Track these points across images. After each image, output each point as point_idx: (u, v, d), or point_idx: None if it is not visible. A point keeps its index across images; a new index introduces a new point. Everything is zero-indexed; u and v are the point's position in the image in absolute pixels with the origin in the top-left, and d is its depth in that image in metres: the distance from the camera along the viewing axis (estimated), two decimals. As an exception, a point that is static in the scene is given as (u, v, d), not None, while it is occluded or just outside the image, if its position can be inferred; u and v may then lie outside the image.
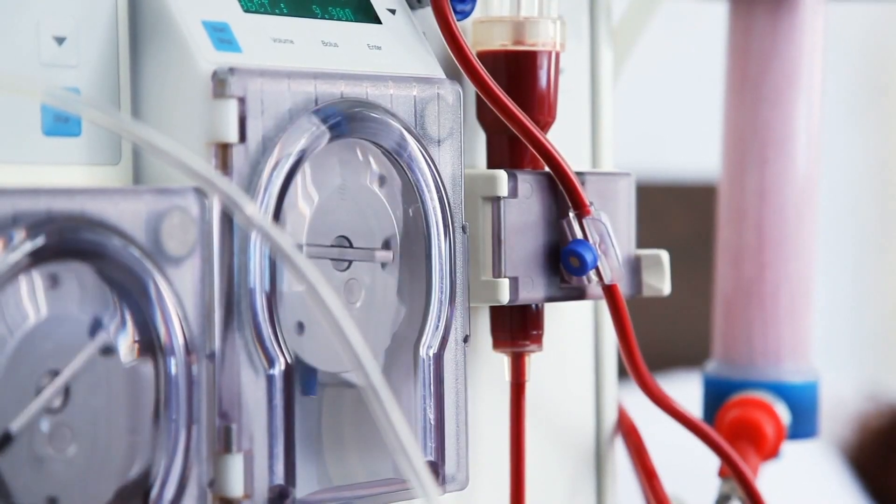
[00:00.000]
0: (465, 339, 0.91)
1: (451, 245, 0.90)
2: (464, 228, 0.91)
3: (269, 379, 0.83)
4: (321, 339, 0.85)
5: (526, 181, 0.94)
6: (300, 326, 0.85)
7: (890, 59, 2.88)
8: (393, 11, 0.92)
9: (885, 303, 2.94)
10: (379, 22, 0.91)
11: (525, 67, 0.95)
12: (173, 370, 0.79)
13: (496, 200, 0.93)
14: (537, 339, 0.96)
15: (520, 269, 0.94)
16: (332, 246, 0.87)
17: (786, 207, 1.13)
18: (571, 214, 0.95)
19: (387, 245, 0.89)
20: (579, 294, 0.97)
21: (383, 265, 0.89)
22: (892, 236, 2.92)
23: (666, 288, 1.00)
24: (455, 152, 0.90)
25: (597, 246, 0.94)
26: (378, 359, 0.88)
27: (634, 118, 1.61)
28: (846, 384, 2.35)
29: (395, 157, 0.88)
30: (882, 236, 2.92)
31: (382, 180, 0.89)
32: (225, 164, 0.81)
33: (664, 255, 1.00)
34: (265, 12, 0.86)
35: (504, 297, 0.93)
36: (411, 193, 0.89)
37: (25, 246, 0.74)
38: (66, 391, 0.76)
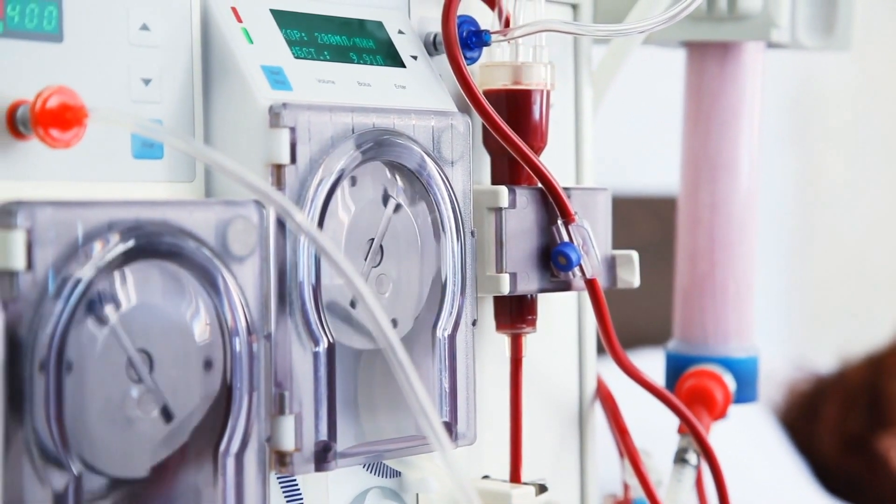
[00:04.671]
0: (474, 323, 0.90)
1: (462, 247, 0.89)
2: (472, 233, 0.90)
3: (315, 355, 0.82)
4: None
5: (523, 195, 0.93)
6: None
7: (813, 97, 2.88)
8: (415, 58, 0.92)
9: (808, 293, 2.93)
10: (404, 66, 0.91)
11: (522, 103, 0.95)
12: (237, 348, 0.78)
13: (498, 210, 0.92)
14: (532, 323, 0.96)
15: (518, 266, 0.93)
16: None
17: (732, 216, 1.13)
18: (559, 222, 0.94)
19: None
20: (566, 286, 0.96)
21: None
22: (814, 240, 2.92)
23: (636, 281, 1.00)
24: (465, 171, 0.90)
25: (580, 247, 0.94)
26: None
27: (610, 143, 1.60)
28: (778, 357, 2.34)
29: (417, 175, 0.88)
30: (807, 240, 2.92)
31: (406, 194, 0.88)
32: (279, 181, 0.81)
33: (634, 255, 0.99)
34: (312, 58, 0.86)
35: (505, 289, 0.92)
36: (429, 204, 0.88)
37: (119, 247, 0.73)
38: (151, 364, 0.75)
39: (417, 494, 0.92)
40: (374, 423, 0.88)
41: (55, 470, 0.71)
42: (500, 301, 0.95)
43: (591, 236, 0.95)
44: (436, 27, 0.93)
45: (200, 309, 0.77)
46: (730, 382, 1.11)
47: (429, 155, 0.88)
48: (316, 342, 0.82)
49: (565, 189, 0.94)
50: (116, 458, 0.74)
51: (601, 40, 1.09)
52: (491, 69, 0.95)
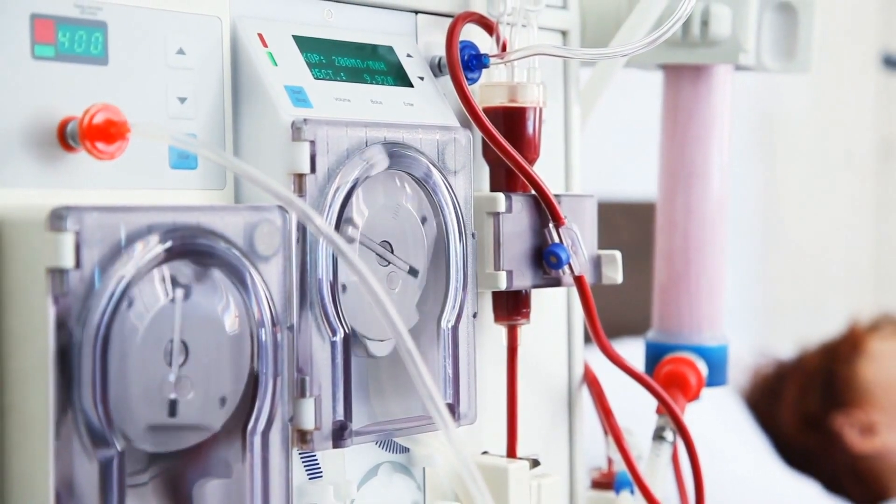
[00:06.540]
0: (474, 315, 0.90)
1: (464, 247, 0.89)
2: (473, 235, 0.90)
3: (333, 344, 0.82)
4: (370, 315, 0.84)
5: (518, 201, 0.93)
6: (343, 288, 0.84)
7: (775, 114, 2.88)
8: (422, 78, 0.91)
9: (771, 288, 2.93)
10: (412, 86, 0.90)
11: (517, 119, 0.94)
12: (263, 338, 0.78)
13: (496, 215, 0.92)
14: (526, 315, 0.95)
15: (513, 264, 0.93)
16: (381, 242, 0.86)
17: (704, 220, 1.13)
18: (551, 225, 0.94)
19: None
20: (557, 282, 0.96)
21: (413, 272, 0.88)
22: (777, 241, 2.92)
23: (619, 277, 0.99)
24: (467, 180, 0.90)
25: (569, 248, 0.94)
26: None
27: (596, 155, 1.60)
28: (744, 345, 2.33)
29: (424, 183, 0.87)
30: (771, 241, 2.91)
31: (413, 200, 0.88)
32: (300, 189, 0.81)
33: (618, 254, 0.99)
34: (330, 79, 0.86)
35: (502, 285, 0.92)
36: (435, 210, 0.88)
37: (158, 248, 0.73)
38: (187, 352, 0.75)
39: (424, 468, 0.92)
40: (385, 405, 0.87)
41: (101, 446, 0.71)
42: (497, 296, 0.95)
43: (579, 238, 0.94)
44: (440, 51, 0.93)
45: (230, 303, 0.77)
46: (702, 368, 1.11)
47: (434, 165, 0.87)
48: (333, 332, 0.82)
49: (556, 196, 0.94)
50: (155, 435, 0.74)
51: (588, 63, 1.09)
52: (490, 89, 0.95)
